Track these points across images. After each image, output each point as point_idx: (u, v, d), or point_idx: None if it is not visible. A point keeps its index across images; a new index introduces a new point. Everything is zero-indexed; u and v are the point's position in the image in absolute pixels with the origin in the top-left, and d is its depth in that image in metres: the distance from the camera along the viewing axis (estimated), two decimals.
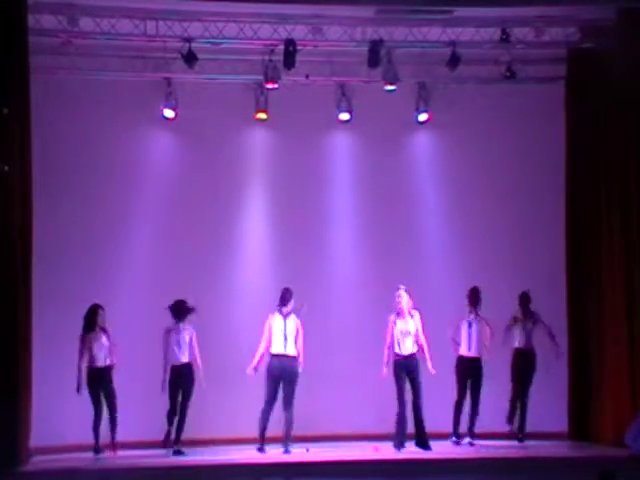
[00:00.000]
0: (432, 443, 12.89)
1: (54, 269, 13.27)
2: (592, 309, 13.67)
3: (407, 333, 12.92)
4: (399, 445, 12.74)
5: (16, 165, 12.07)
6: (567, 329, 14.01)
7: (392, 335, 12.93)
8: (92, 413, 12.89)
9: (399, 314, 12.98)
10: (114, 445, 12.95)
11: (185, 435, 13.12)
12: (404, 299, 12.98)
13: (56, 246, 13.37)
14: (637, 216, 12.99)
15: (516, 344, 13.68)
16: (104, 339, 13.01)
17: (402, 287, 13.03)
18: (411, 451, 12.69)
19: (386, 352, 12.89)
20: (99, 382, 12.94)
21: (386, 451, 12.73)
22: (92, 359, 12.98)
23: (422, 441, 12.80)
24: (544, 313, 13.72)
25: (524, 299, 13.71)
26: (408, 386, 12.89)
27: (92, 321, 13.02)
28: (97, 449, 12.88)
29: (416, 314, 13.01)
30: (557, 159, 14.21)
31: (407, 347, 12.92)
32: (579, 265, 13.92)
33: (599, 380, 13.45)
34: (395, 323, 12.95)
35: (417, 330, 12.95)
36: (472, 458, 12.53)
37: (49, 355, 12.86)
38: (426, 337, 13.03)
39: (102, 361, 12.99)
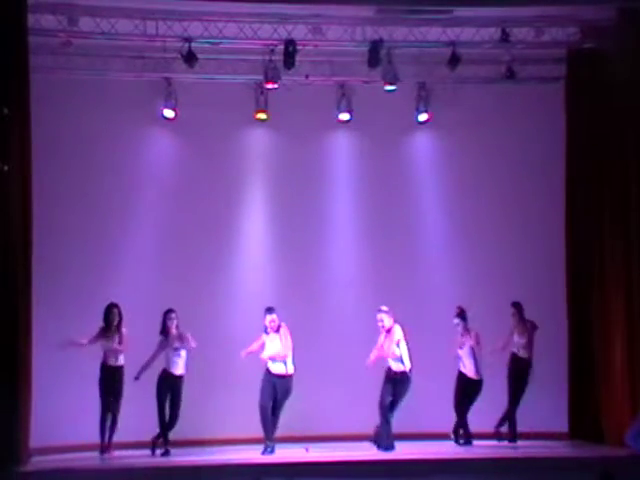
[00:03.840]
0: (432, 443, 12.91)
1: (54, 269, 13.26)
2: (592, 309, 13.65)
3: (394, 356, 12.89)
4: (390, 446, 12.77)
5: (16, 165, 12.07)
6: (567, 329, 14.01)
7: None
8: (99, 411, 12.95)
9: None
10: (110, 445, 12.98)
11: (184, 435, 13.15)
12: (385, 323, 12.92)
13: (56, 246, 13.36)
14: (637, 216, 12.97)
15: (514, 350, 13.66)
16: (118, 338, 13.09)
17: (384, 309, 12.93)
18: (411, 451, 12.69)
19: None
20: (112, 381, 12.99)
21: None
22: (106, 357, 13.04)
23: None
24: (544, 314, 13.70)
25: (517, 308, 13.68)
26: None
27: (107, 320, 13.08)
28: (103, 448, 12.89)
29: (395, 329, 12.95)
30: (557, 159, 14.20)
31: (393, 365, 12.90)
32: (579, 265, 13.91)
33: (599, 380, 13.44)
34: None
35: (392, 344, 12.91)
36: (472, 458, 12.52)
37: (49, 355, 12.85)
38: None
39: (115, 360, 13.05)
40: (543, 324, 13.65)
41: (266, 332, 12.99)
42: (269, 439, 12.82)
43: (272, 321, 12.94)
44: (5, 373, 11.71)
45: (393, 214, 14.71)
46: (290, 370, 12.90)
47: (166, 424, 13.03)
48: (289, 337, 12.88)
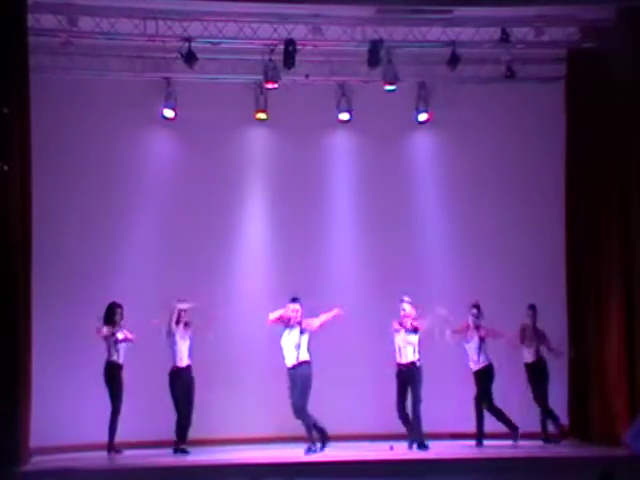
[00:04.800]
0: (432, 443, 12.90)
1: (54, 269, 13.26)
2: (591, 310, 13.65)
3: (410, 343, 12.99)
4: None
5: (16, 165, 12.07)
6: (567, 330, 14.00)
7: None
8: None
9: (402, 324, 13.03)
10: (112, 444, 12.99)
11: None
12: (408, 311, 12.99)
13: (56, 246, 13.37)
14: (637, 216, 12.96)
15: (525, 358, 13.68)
16: (122, 337, 13.10)
17: (406, 299, 13.02)
18: (411, 451, 12.71)
19: None
20: (116, 378, 13.03)
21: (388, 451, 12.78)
22: (110, 354, 13.07)
23: (420, 444, 12.85)
24: (544, 315, 13.69)
25: (532, 312, 13.69)
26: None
27: (110, 319, 13.11)
28: (114, 447, 12.94)
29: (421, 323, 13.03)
30: (557, 159, 14.20)
31: (408, 356, 12.98)
32: (579, 266, 13.90)
33: (599, 380, 13.43)
34: (398, 332, 13.03)
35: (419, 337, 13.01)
36: (472, 458, 12.52)
37: (49, 355, 12.86)
38: (423, 340, 13.05)
39: (120, 358, 13.08)
40: (543, 325, 13.66)
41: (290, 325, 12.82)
42: (308, 438, 12.68)
43: (294, 310, 12.65)
44: (5, 373, 11.70)
45: (393, 213, 14.71)
46: (303, 357, 12.64)
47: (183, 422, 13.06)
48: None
